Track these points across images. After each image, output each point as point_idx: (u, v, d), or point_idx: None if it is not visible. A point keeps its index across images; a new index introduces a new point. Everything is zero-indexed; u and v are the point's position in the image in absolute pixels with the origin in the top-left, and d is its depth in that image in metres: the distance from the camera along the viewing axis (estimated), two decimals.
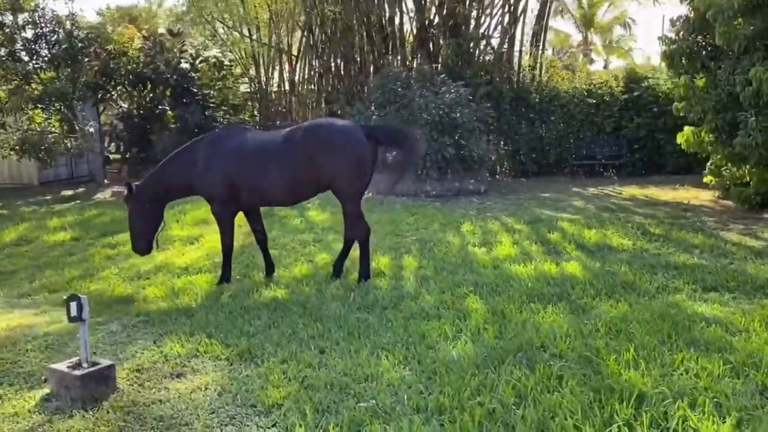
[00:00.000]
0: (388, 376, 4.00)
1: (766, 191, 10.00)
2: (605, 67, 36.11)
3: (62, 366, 3.95)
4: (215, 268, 7.46)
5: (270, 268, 7.09)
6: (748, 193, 10.26)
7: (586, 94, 17.06)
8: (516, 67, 18.05)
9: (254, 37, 20.06)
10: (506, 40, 18.02)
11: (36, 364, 4.55)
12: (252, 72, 20.40)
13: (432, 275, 6.78)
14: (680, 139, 13.47)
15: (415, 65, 17.29)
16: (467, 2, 17.55)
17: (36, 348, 4.93)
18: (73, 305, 3.93)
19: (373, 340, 4.70)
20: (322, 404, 3.69)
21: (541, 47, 18.50)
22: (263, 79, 20.54)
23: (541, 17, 18.46)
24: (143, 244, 6.83)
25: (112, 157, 21.24)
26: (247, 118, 20.82)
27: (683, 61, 9.91)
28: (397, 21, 18.52)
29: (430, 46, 17.68)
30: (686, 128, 13.53)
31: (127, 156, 19.44)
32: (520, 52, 18.29)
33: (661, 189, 13.76)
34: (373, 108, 13.76)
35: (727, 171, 11.79)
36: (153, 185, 6.77)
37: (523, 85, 17.52)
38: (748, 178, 9.84)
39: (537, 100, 17.07)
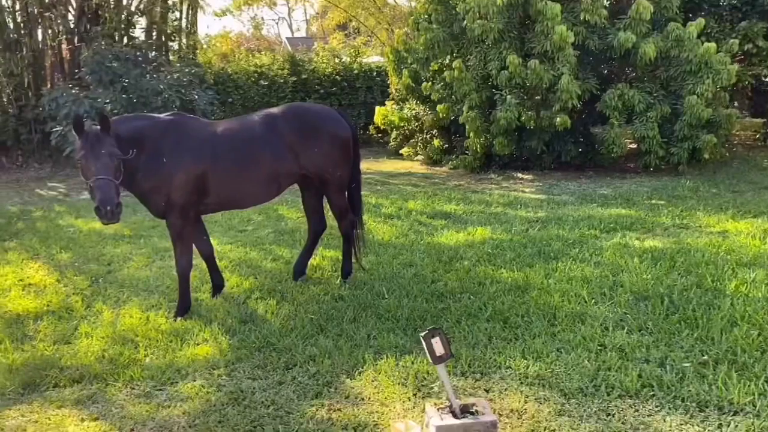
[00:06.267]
0: None
1: (482, 156, 12.37)
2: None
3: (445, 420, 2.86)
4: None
5: (217, 287, 5.75)
6: (470, 160, 12.48)
7: (257, 76, 17.23)
8: (175, 48, 16.89)
9: None
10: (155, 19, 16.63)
11: None
12: None
13: (444, 266, 6.47)
14: (377, 117, 15.24)
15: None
16: None
17: None
18: (437, 342, 2.90)
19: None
20: None
21: (193, 28, 17.65)
22: None
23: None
24: (115, 202, 4.53)
25: None
26: None
27: (438, 48, 11.37)
28: None
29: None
30: (379, 108, 15.40)
31: None
32: (179, 32, 17.07)
33: (367, 162, 15.18)
34: (77, 90, 11.17)
35: (429, 144, 14.01)
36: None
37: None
38: (475, 147, 11.93)
39: (212, 81, 16.39)
